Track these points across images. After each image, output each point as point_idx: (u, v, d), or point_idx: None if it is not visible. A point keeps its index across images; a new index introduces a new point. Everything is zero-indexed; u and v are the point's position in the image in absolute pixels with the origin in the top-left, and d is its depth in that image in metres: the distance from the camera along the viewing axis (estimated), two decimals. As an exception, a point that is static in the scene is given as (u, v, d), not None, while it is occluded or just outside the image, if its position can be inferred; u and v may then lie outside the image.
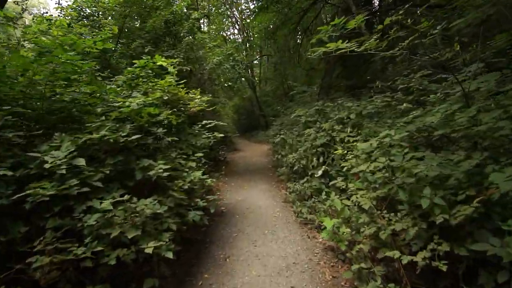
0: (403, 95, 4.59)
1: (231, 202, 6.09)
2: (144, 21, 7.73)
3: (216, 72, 8.42)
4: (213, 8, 21.74)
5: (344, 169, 3.55)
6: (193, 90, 4.85)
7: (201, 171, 3.77)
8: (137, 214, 2.46)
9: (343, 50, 3.23)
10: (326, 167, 4.85)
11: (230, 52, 7.45)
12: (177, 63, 7.13)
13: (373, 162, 2.80)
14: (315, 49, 3.39)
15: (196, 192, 3.60)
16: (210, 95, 7.68)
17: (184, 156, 3.98)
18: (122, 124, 3.02)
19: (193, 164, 4.00)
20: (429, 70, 4.55)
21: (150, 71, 4.18)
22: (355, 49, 3.21)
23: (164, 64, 4.46)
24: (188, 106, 4.82)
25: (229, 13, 24.78)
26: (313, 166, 5.28)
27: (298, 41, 15.45)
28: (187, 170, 3.77)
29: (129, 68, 4.18)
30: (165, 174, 2.78)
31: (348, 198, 3.14)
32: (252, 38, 24.43)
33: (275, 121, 17.03)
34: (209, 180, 3.77)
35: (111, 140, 2.78)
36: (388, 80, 5.86)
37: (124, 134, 2.81)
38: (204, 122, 5.25)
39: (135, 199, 2.63)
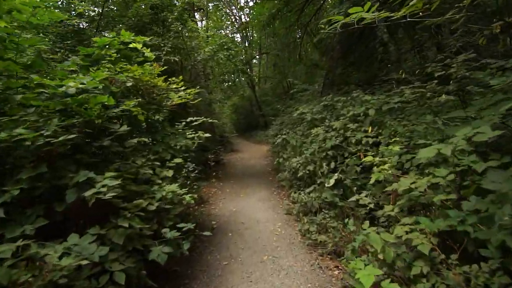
0: (437, 85, 3.58)
1: (224, 214, 5.07)
2: (127, 5, 6.72)
3: (209, 64, 7.40)
4: (211, 4, 20.74)
5: (372, 181, 2.56)
6: (173, 78, 3.82)
7: (177, 184, 2.76)
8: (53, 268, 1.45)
9: (369, 19, 2.24)
10: (340, 175, 3.85)
11: (224, 40, 6.41)
12: (164, 52, 6.13)
13: (427, 176, 1.81)
14: (332, 17, 2.38)
15: (170, 213, 2.59)
16: (202, 89, 6.68)
17: (158, 163, 2.98)
18: (52, 118, 2.02)
19: (170, 173, 2.99)
20: (470, 54, 3.54)
21: (115, 53, 3.16)
22: (388, 17, 2.22)
23: (137, 45, 3.44)
24: (169, 99, 3.80)
25: (227, 10, 23.85)
26: (322, 173, 4.28)
27: (298, 36, 14.48)
28: (159, 181, 2.77)
29: (88, 48, 3.16)
30: (111, 194, 1.78)
31: (387, 230, 2.11)
32: (251, 38, 23.46)
33: (274, 120, 16.05)
34: (187, 197, 2.75)
35: (27, 143, 1.78)
36: (408, 70, 4.91)
37: (49, 133, 1.81)
38: (189, 119, 4.23)
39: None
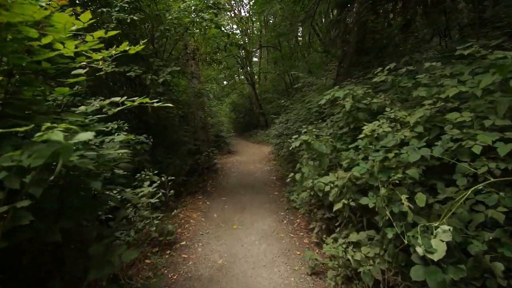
0: None
1: (200, 277, 2.80)
2: None
3: (191, 33, 5.08)
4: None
5: None
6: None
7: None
8: None
9: None
10: (451, 231, 1.59)
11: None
12: (116, 8, 3.85)
13: None
14: None
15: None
16: (178, 68, 4.38)
17: None
18: None
19: None
20: None
21: None
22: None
23: None
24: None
25: (227, 4, 21.54)
26: (396, 214, 2.02)
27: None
28: None
29: None
30: None
31: None
32: (251, 32, 21.19)
33: (276, 119, 13.82)
34: None
35: None
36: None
37: None
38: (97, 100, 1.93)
39: None
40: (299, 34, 16.54)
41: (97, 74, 1.78)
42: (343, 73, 8.46)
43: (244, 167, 8.36)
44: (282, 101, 10.79)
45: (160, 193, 3.44)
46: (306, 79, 11.07)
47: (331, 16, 11.26)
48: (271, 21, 20.39)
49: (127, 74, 3.84)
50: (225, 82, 25.72)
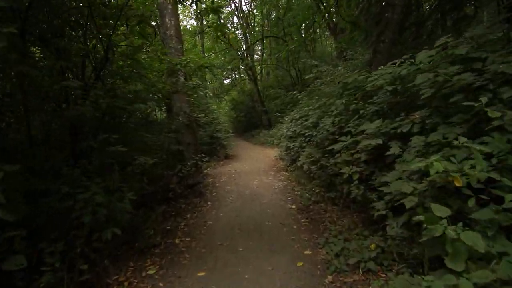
0: None
1: None
2: None
3: None
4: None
5: None
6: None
7: None
8: None
9: None
10: None
11: None
12: None
13: None
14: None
15: None
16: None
17: None
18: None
19: None
20: None
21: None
22: None
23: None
24: None
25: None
26: None
27: None
28: None
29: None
30: None
31: None
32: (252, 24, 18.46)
33: (281, 117, 11.12)
34: None
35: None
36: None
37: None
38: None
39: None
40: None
41: None
42: (384, 51, 5.74)
43: (246, 182, 5.65)
44: (295, 92, 8.05)
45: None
46: (322, 67, 8.35)
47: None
48: (273, 14, 17.84)
49: None
50: (226, 81, 22.95)
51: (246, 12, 18.41)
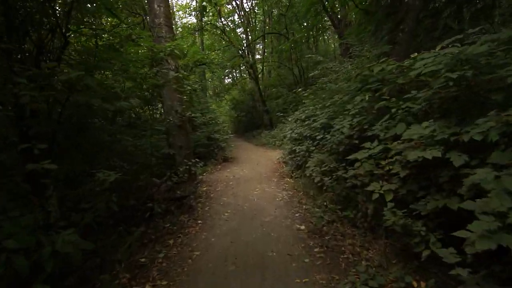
0: None
1: None
2: None
3: None
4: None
5: None
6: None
7: None
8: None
9: None
10: None
11: None
12: None
13: None
14: None
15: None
16: None
17: None
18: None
19: None
20: None
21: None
22: None
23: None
24: None
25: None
26: None
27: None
28: None
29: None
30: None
31: None
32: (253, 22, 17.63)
33: (284, 117, 10.34)
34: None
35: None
36: None
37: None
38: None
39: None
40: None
41: None
42: (403, 41, 4.96)
43: (245, 191, 4.88)
44: (299, 89, 7.27)
45: None
46: (327, 63, 7.60)
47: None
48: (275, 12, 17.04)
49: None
50: (226, 81, 22.06)
51: (248, 10, 17.62)
